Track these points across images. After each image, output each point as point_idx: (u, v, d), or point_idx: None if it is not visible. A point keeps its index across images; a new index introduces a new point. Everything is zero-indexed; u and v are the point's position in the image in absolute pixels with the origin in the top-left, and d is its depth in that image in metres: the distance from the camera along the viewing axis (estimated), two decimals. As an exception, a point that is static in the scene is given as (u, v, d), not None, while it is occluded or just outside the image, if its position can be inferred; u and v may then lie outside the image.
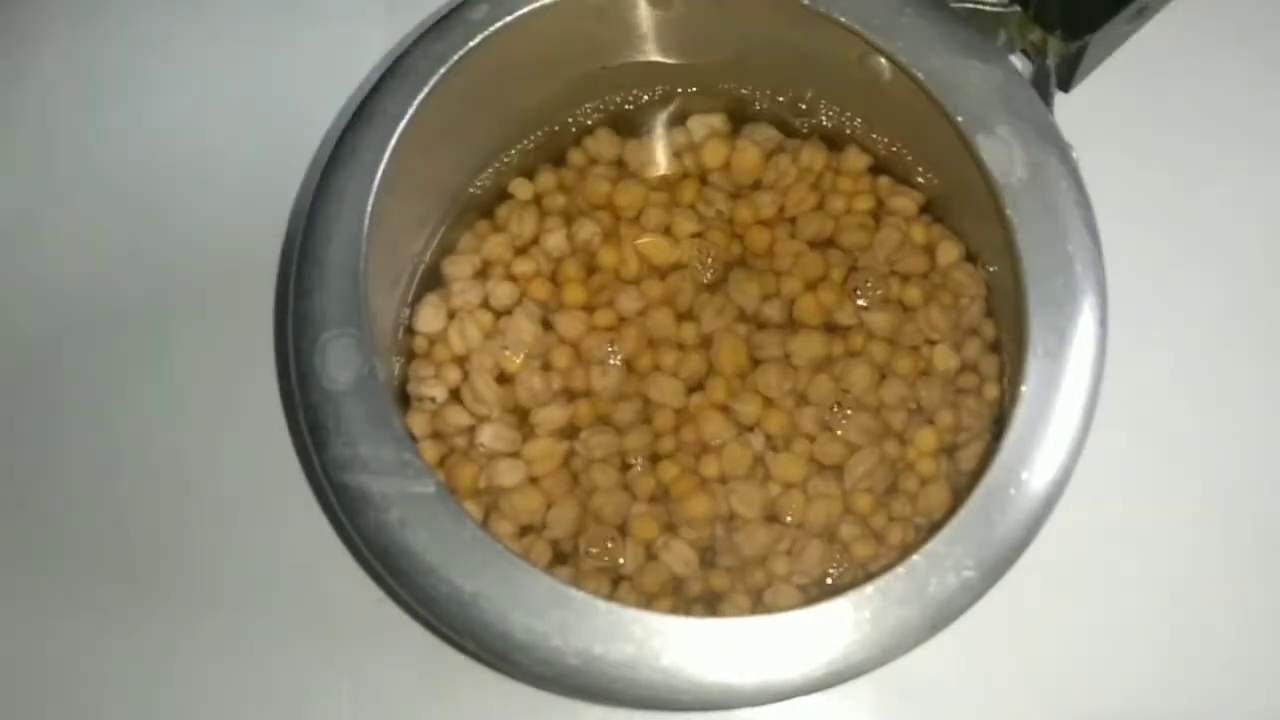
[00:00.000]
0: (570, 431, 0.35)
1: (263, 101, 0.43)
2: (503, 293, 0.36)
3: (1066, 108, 0.34)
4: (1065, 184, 0.31)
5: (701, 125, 0.38)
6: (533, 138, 0.38)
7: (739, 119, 0.38)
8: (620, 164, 0.38)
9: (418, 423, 0.35)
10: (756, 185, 0.38)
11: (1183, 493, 0.38)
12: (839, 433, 0.35)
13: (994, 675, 0.36)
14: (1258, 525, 0.38)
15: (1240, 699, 0.36)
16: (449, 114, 0.34)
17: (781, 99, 0.38)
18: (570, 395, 0.36)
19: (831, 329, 0.36)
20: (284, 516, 0.38)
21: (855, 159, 0.38)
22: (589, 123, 0.39)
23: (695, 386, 0.36)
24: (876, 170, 0.38)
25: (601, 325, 0.36)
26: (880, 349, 0.36)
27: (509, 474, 0.34)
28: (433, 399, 0.35)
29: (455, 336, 0.36)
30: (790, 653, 0.28)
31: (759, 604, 0.34)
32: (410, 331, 0.36)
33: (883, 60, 0.33)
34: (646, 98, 0.39)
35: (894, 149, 0.38)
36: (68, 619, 0.38)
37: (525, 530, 0.34)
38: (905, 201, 0.37)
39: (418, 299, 0.36)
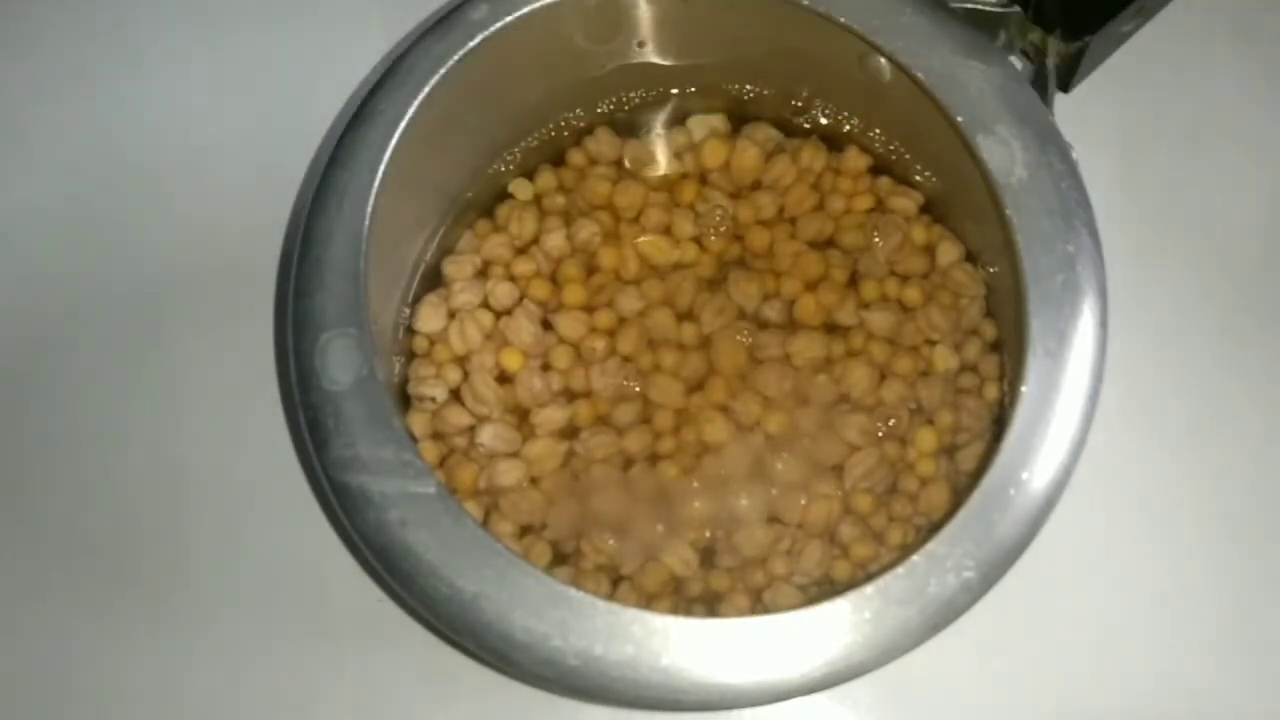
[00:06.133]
0: (570, 431, 0.35)
1: (263, 101, 0.43)
2: (503, 293, 0.36)
3: (1066, 108, 0.34)
4: (1065, 184, 0.31)
5: (701, 125, 0.38)
6: (533, 138, 0.38)
7: (739, 119, 0.38)
8: (620, 164, 0.38)
9: (418, 423, 0.35)
10: (756, 185, 0.38)
11: (1182, 492, 0.38)
12: (839, 432, 0.35)
13: (994, 675, 0.36)
14: (1257, 524, 0.38)
15: (1240, 699, 0.36)
16: (449, 114, 0.34)
17: (781, 99, 0.38)
18: (570, 395, 0.36)
19: (831, 329, 0.36)
20: (284, 516, 0.38)
21: (855, 159, 0.38)
22: (589, 123, 0.39)
23: (695, 386, 0.36)
24: (876, 170, 0.38)
25: (601, 325, 0.36)
26: (880, 349, 0.36)
27: (509, 474, 0.34)
28: (433, 399, 0.35)
29: (455, 336, 0.35)
30: (790, 653, 0.28)
31: (759, 604, 0.34)
32: (410, 331, 0.36)
33: (882, 60, 0.33)
34: (646, 98, 0.39)
35: (894, 149, 0.38)
36: (66, 620, 0.37)
37: (525, 530, 0.34)
38: (905, 201, 0.37)
39: (418, 299, 0.36)
